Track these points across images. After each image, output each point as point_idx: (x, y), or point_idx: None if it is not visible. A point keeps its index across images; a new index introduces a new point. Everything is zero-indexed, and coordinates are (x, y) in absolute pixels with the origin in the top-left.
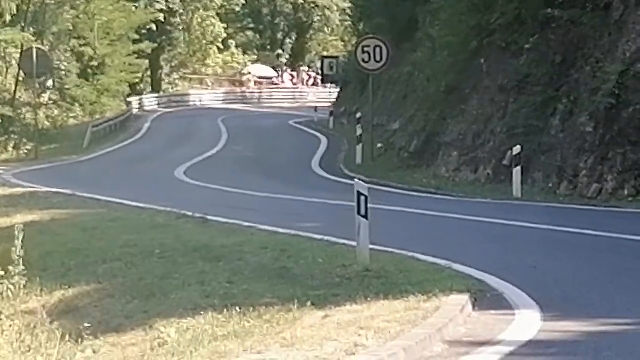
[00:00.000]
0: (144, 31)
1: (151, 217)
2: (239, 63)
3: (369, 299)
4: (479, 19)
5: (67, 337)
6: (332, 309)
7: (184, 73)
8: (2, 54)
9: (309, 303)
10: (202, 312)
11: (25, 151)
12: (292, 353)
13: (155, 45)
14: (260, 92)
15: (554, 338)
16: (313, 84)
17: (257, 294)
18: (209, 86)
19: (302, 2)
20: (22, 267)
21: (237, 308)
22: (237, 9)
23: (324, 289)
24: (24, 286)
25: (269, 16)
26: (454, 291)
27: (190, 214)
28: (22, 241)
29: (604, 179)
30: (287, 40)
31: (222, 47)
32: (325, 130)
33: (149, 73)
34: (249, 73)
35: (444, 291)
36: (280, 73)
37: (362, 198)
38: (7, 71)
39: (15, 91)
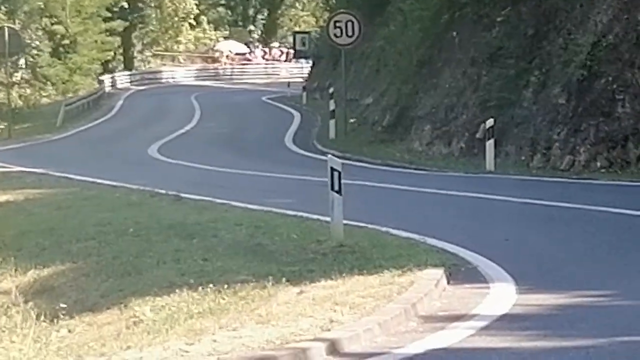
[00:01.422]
0: (115, 9)
1: (125, 196)
2: (210, 39)
3: (343, 274)
4: None
5: (42, 317)
6: (307, 285)
7: (156, 50)
8: None
9: (283, 279)
10: (177, 290)
11: None
12: (268, 329)
13: (127, 23)
14: (233, 69)
15: (528, 311)
16: (285, 60)
17: (231, 271)
18: (181, 63)
19: None
20: None
21: (212, 285)
22: None
23: (299, 265)
24: None
25: None
26: (428, 265)
27: (163, 191)
28: None
29: (577, 151)
30: (259, 16)
31: (194, 23)
32: (298, 106)
33: (121, 51)
34: (221, 50)
35: (418, 265)
36: (252, 49)
37: (336, 173)
38: None
39: None
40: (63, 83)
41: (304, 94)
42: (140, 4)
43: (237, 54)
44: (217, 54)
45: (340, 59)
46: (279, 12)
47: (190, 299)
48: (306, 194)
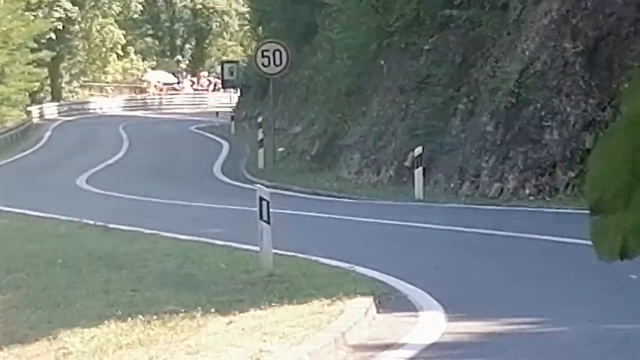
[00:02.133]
0: (42, 40)
1: (54, 227)
2: (138, 69)
3: (273, 304)
4: (378, 21)
5: None
6: (236, 315)
7: (84, 81)
8: None
9: (213, 309)
10: (106, 321)
11: None
12: None
13: (55, 53)
14: (161, 99)
15: (458, 339)
16: (214, 89)
17: (161, 302)
18: (109, 93)
19: (201, 7)
20: None
21: (141, 316)
22: (136, 15)
23: (228, 295)
24: None
25: (167, 22)
26: (357, 294)
27: (92, 222)
28: None
29: (505, 179)
30: (187, 46)
31: (121, 53)
32: (227, 135)
33: (48, 82)
34: (149, 80)
35: (347, 294)
36: (180, 79)
37: (264, 203)
38: None
39: None
40: None
41: (233, 123)
42: (67, 35)
43: (165, 84)
44: (145, 84)
45: (268, 88)
46: (207, 41)
47: (119, 330)
48: (235, 224)
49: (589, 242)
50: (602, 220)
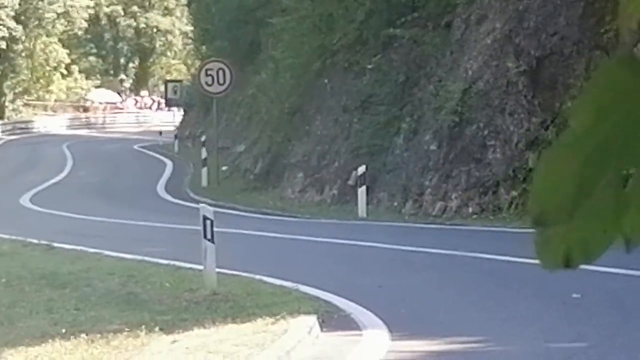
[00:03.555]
0: None
1: None
2: (82, 88)
3: (217, 322)
4: (321, 40)
5: None
6: (181, 334)
7: (28, 100)
8: None
9: (157, 328)
10: (50, 340)
11: None
12: None
13: None
14: (105, 117)
15: (402, 358)
16: (157, 108)
17: (104, 320)
18: (53, 112)
19: (144, 26)
20: None
21: (85, 335)
22: (80, 33)
23: (172, 314)
24: None
25: (111, 41)
26: (301, 313)
27: (36, 241)
28: None
29: (449, 197)
30: (130, 65)
31: (65, 72)
32: (171, 154)
33: None
34: (93, 99)
35: (291, 313)
36: (124, 98)
37: (208, 222)
38: None
39: None
40: None
41: (176, 142)
42: (11, 54)
43: (108, 102)
44: (88, 103)
45: (212, 107)
46: (151, 60)
47: (63, 349)
48: (179, 243)
49: (533, 261)
50: (546, 231)
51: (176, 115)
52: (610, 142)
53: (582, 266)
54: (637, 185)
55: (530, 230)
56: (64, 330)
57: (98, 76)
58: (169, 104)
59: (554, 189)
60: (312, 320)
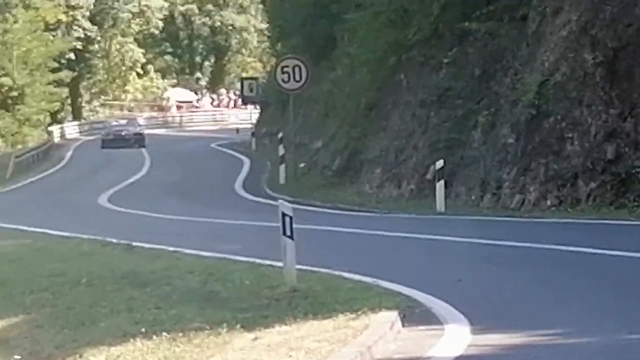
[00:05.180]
0: (62, 60)
1: (77, 246)
2: (158, 88)
3: (297, 319)
4: (397, 35)
5: None
6: (262, 331)
7: (105, 100)
8: None
9: (238, 326)
10: (131, 339)
11: None
12: None
13: (75, 73)
14: (181, 116)
15: (483, 352)
16: (234, 106)
17: (185, 319)
18: (130, 112)
19: (220, 24)
20: None
21: (166, 333)
22: (156, 32)
23: (253, 311)
24: None
25: (186, 40)
26: (382, 308)
27: (115, 240)
28: None
29: (527, 190)
30: (206, 63)
31: (141, 72)
32: (248, 152)
33: (69, 101)
34: (169, 98)
35: (372, 309)
36: (200, 96)
37: (287, 218)
38: None
39: None
40: (12, 135)
41: (253, 139)
42: (87, 54)
43: (184, 101)
44: (164, 102)
45: (288, 104)
46: (226, 58)
47: (145, 348)
48: (258, 240)
49: (612, 252)
50: None
51: (252, 112)
52: None
53: None
54: None
55: (606, 221)
56: (145, 329)
57: (174, 75)
58: (246, 101)
59: None
60: (393, 315)
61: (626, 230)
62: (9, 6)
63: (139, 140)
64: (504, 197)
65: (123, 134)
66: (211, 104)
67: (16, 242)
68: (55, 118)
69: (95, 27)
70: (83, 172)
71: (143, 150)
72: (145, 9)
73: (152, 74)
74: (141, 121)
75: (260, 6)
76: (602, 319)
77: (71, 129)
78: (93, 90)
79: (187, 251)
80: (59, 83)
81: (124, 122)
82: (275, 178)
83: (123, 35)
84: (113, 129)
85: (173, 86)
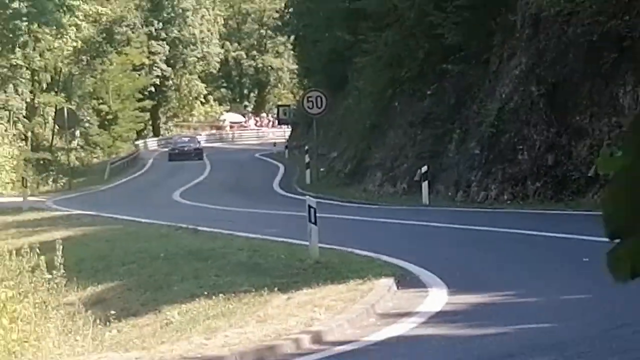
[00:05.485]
0: (145, 92)
1: (156, 230)
2: (216, 112)
3: (319, 284)
4: (392, 74)
5: (98, 322)
6: (293, 293)
7: (176, 121)
8: (42, 113)
9: (275, 289)
10: (197, 299)
11: (61, 184)
12: (265, 326)
13: (154, 101)
14: (233, 133)
15: (457, 308)
16: (272, 126)
17: (237, 284)
18: (195, 130)
19: (261, 65)
20: (62, 271)
21: (223, 295)
22: (214, 71)
23: (287, 278)
24: (65, 285)
25: (237, 77)
26: (382, 276)
27: (185, 225)
28: (61, 251)
29: (489, 188)
30: (251, 94)
31: (203, 101)
32: (282, 160)
33: (150, 122)
34: (224, 120)
35: (375, 276)
36: (247, 118)
37: (312, 209)
38: (45, 125)
39: (52, 140)
40: (108, 147)
41: (286, 151)
42: (163, 88)
43: (236, 122)
44: (221, 123)
45: (312, 124)
46: (266, 91)
47: (207, 305)
48: (290, 225)
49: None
50: (616, 250)
51: (286, 131)
52: None
53: (589, 237)
54: None
55: (548, 211)
56: (207, 292)
57: (228, 103)
58: (281, 122)
59: (621, 210)
60: (390, 281)
61: (563, 218)
62: (107, 53)
63: (198, 154)
64: (473, 194)
65: (186, 149)
66: (255, 124)
67: (112, 227)
68: (140, 135)
69: (170, 68)
70: (160, 175)
71: (205, 158)
72: (206, 54)
73: (212, 102)
74: (200, 138)
75: (292, 52)
76: (546, 283)
77: (151, 143)
78: (168, 115)
79: (238, 234)
80: (142, 109)
81: (186, 139)
82: (303, 179)
83: (190, 74)
84: (178, 144)
85: (227, 111)
